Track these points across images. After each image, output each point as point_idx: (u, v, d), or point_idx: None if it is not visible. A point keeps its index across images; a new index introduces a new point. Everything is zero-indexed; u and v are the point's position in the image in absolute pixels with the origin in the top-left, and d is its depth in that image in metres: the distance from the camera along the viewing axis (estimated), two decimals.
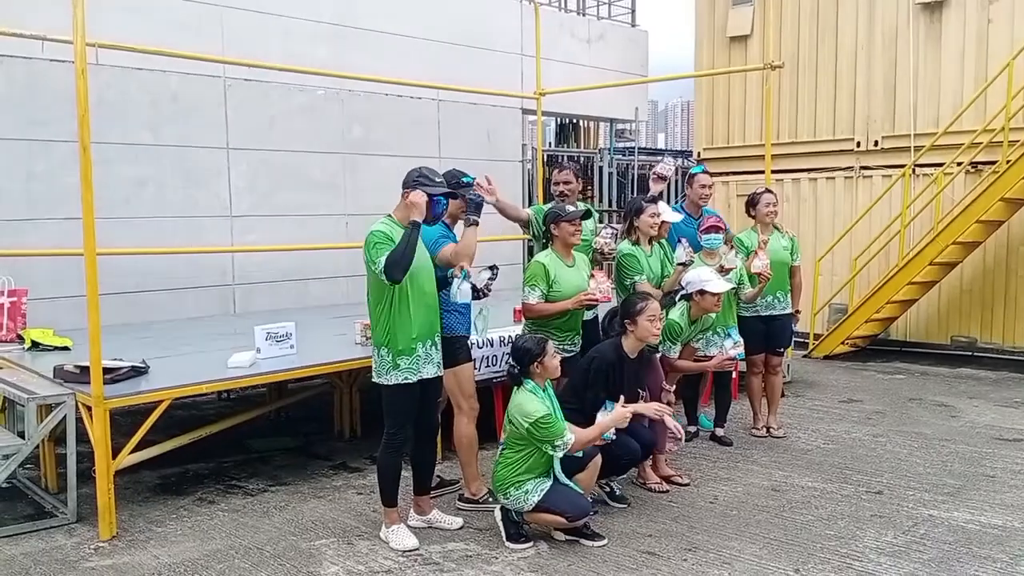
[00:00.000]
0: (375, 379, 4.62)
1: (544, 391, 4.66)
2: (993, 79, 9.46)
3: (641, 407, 4.87)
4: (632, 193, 13.89)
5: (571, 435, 4.43)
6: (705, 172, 6.87)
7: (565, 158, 13.41)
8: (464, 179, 5.02)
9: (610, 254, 5.70)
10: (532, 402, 4.52)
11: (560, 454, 4.46)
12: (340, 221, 9.58)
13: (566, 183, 6.03)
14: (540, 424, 4.43)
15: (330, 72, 8.64)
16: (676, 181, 11.86)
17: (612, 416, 4.55)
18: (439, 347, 4.72)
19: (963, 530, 4.79)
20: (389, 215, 4.59)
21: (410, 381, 4.54)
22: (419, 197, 4.46)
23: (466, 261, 4.74)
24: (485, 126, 11.31)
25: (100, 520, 4.80)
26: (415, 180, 4.55)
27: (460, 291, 4.63)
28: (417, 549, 4.58)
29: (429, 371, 4.63)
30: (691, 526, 4.91)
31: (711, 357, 6.03)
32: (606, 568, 4.34)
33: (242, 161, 9.05)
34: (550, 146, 15.26)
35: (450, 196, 4.64)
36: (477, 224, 4.77)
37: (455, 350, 5.02)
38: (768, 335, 6.70)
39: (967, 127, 9.68)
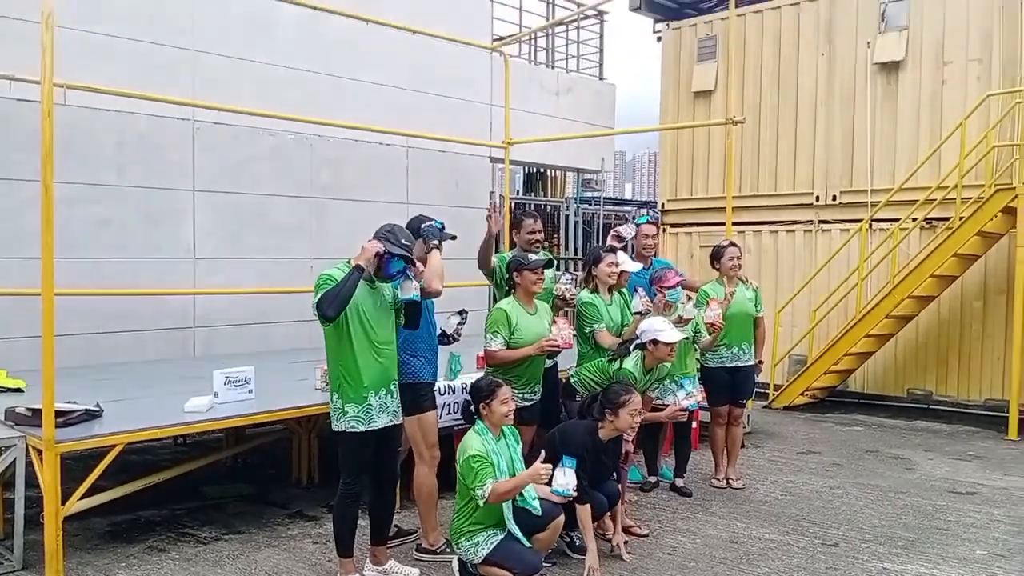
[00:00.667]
0: (334, 427, 4.58)
1: (499, 439, 4.66)
2: (947, 138, 9.79)
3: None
4: (597, 242, 14.04)
5: (490, 485, 4.40)
6: (650, 223, 6.97)
7: (532, 206, 13.56)
8: (435, 223, 5.04)
9: (571, 300, 5.79)
10: (473, 440, 4.55)
11: (480, 502, 4.43)
12: (305, 265, 9.55)
13: (540, 231, 6.14)
14: (469, 462, 4.45)
15: (300, 117, 8.70)
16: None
17: (528, 472, 4.50)
18: (395, 396, 4.67)
19: None
20: (347, 260, 4.56)
21: (358, 430, 4.49)
22: (372, 245, 4.46)
23: (436, 281, 4.78)
24: (453, 173, 11.40)
25: (47, 568, 4.66)
26: (382, 234, 4.56)
27: (403, 287, 4.54)
28: None
29: (383, 420, 4.58)
30: None
31: (668, 406, 6.07)
32: None
33: (208, 203, 9.03)
34: (518, 194, 15.42)
35: (408, 262, 4.54)
36: (439, 248, 4.89)
37: (419, 397, 5.01)
38: (733, 386, 6.78)
39: (922, 184, 9.98)
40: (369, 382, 4.49)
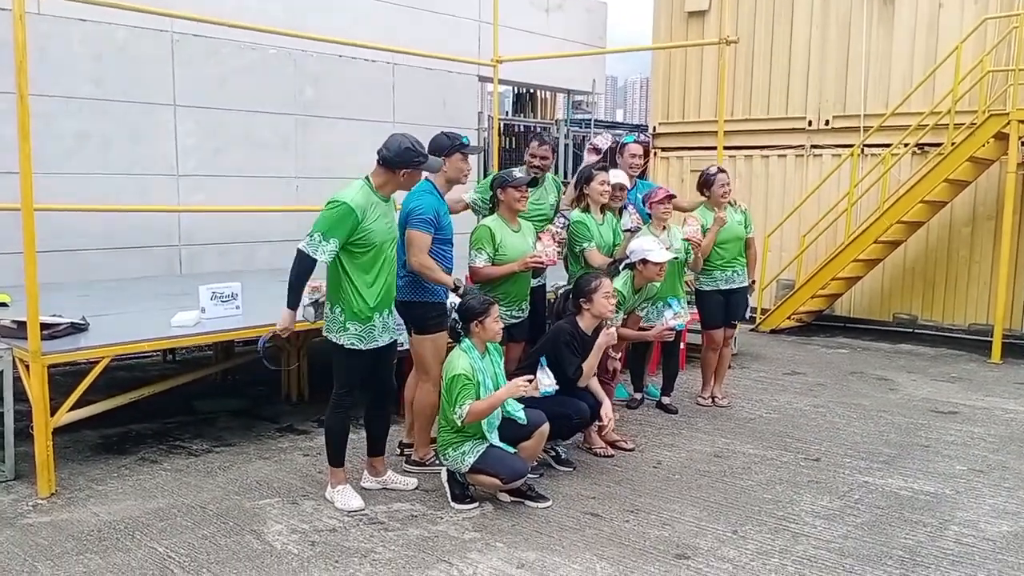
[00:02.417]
0: (325, 334, 4.57)
1: (484, 356, 4.67)
2: (941, 62, 9.66)
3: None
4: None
5: (468, 406, 4.43)
6: (636, 142, 6.82)
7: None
8: (462, 139, 5.02)
9: (561, 243, 5.71)
10: (461, 360, 4.55)
11: (457, 422, 4.47)
12: (291, 184, 9.42)
13: (543, 158, 5.96)
14: (453, 382, 4.47)
15: (282, 31, 8.43)
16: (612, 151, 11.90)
17: (505, 389, 4.54)
18: (394, 314, 4.69)
19: (896, 496, 4.94)
20: (367, 178, 4.47)
21: (358, 348, 4.49)
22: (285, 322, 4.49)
23: (414, 261, 4.80)
24: (441, 92, 11.18)
25: (39, 477, 4.71)
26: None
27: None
28: (362, 510, 4.58)
29: (384, 339, 4.60)
30: (634, 489, 4.99)
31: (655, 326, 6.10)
32: (549, 528, 4.39)
33: (189, 119, 8.82)
34: (507, 115, 15.19)
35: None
36: (456, 290, 4.81)
37: (437, 316, 4.96)
38: (727, 307, 6.79)
39: (915, 109, 9.87)
40: (376, 303, 4.47)
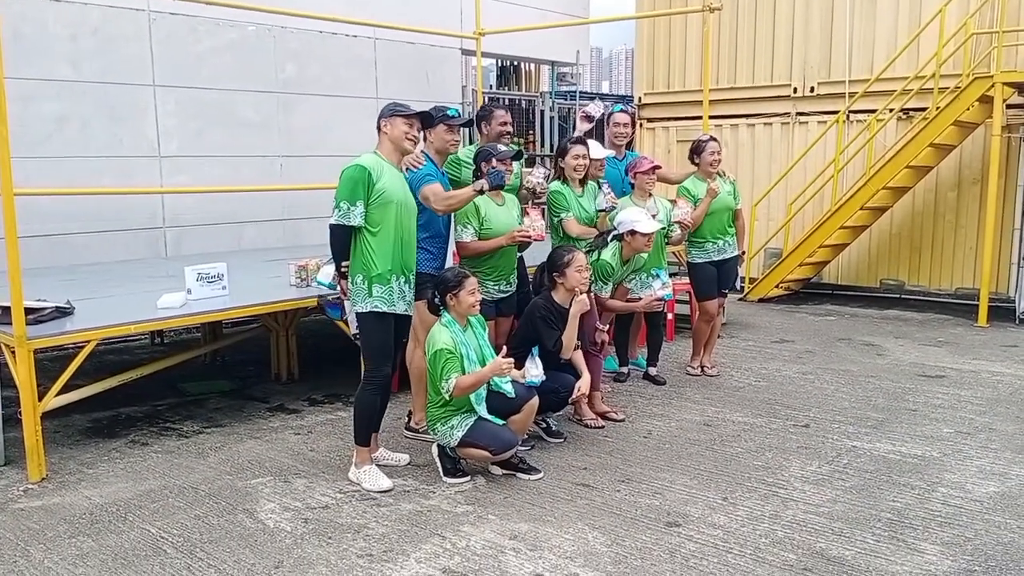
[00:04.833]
0: (352, 308, 4.62)
1: (466, 329, 4.67)
2: (925, 26, 9.63)
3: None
4: None
5: (454, 380, 4.44)
6: (623, 111, 6.81)
7: (506, 101, 13.29)
8: (447, 111, 5.10)
9: (541, 194, 5.68)
10: (442, 334, 4.55)
11: (445, 395, 4.48)
12: (274, 163, 9.34)
13: (510, 123, 5.98)
14: (436, 356, 4.48)
15: (262, 7, 8.32)
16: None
17: (490, 367, 4.52)
18: (412, 287, 4.70)
19: (884, 460, 4.98)
20: (375, 152, 4.53)
21: (382, 310, 4.49)
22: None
23: (441, 206, 4.87)
24: (424, 67, 11.08)
25: (28, 462, 4.69)
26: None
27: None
28: (391, 490, 4.52)
29: (401, 307, 4.61)
30: (625, 459, 5.02)
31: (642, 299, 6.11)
32: (541, 500, 4.42)
33: (169, 99, 8.72)
34: (491, 89, 15.08)
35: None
36: (482, 192, 4.93)
37: (420, 285, 4.98)
38: (719, 278, 6.81)
39: (900, 74, 9.85)
40: (393, 265, 4.49)
